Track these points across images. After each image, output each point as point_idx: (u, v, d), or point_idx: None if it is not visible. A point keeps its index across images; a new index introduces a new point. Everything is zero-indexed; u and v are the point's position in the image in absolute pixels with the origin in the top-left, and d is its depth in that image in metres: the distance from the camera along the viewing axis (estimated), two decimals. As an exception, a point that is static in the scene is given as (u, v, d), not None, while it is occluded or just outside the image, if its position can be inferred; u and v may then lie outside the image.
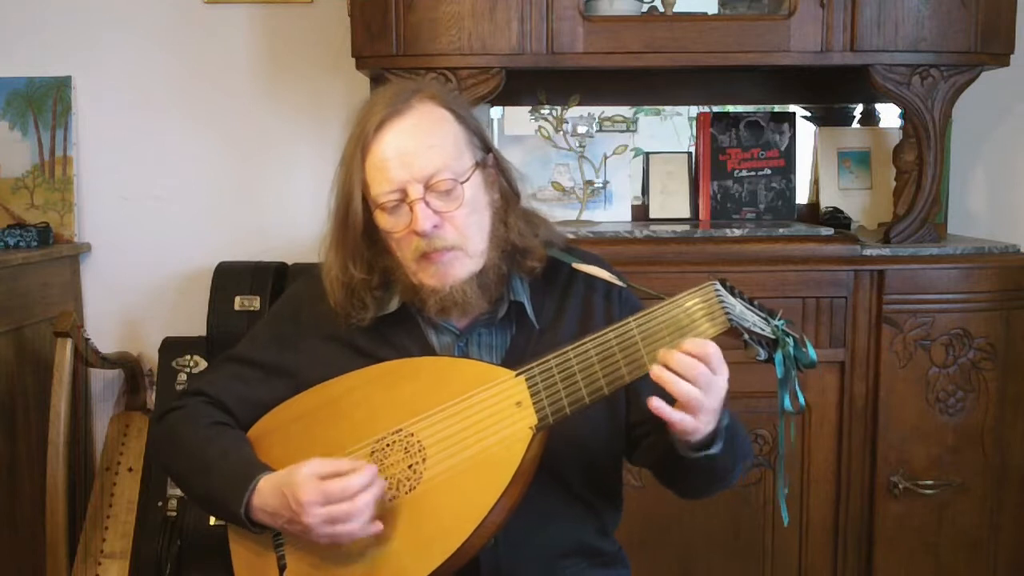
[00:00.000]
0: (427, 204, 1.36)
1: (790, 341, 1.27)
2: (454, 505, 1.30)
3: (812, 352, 1.28)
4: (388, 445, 1.35)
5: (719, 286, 1.27)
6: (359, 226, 1.40)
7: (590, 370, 1.28)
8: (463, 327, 1.45)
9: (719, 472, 1.36)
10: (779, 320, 1.28)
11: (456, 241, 1.38)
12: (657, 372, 1.23)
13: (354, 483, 1.29)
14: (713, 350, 1.23)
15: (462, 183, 1.37)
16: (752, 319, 1.27)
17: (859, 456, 2.25)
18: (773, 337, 1.27)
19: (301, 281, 1.57)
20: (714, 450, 1.30)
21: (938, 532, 2.27)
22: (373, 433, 1.37)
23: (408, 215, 1.36)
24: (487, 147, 1.45)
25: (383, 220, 1.39)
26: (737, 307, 1.26)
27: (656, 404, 1.23)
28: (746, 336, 1.26)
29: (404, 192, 1.36)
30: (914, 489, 2.24)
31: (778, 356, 1.27)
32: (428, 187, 1.36)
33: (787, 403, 1.28)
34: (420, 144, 1.37)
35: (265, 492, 1.35)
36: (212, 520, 2.35)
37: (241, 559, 1.45)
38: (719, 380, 1.24)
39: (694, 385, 1.22)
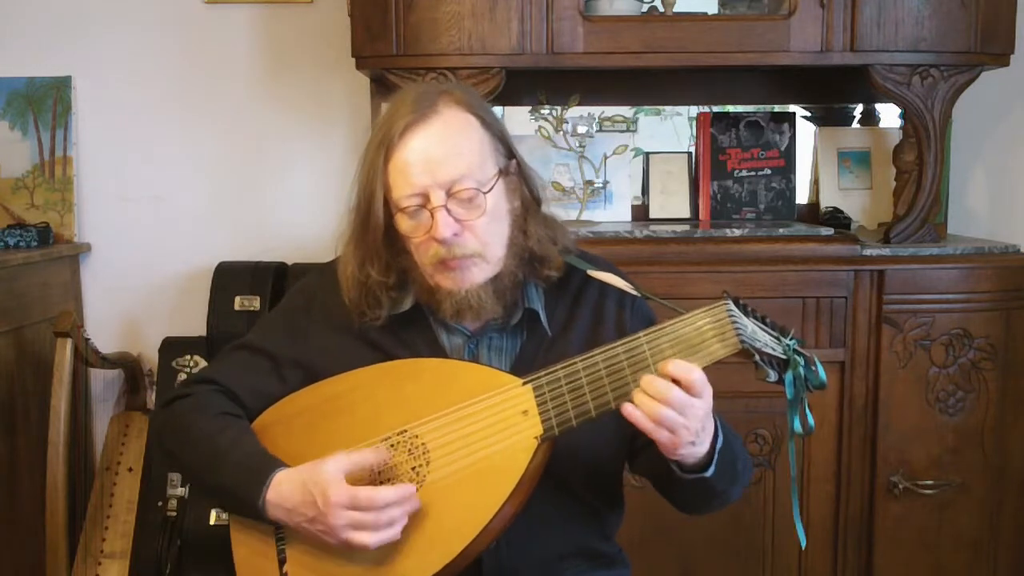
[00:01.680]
0: (448, 211, 1.35)
1: (801, 361, 1.25)
2: (456, 510, 1.29)
3: (822, 373, 1.27)
4: (392, 446, 1.35)
5: (732, 306, 1.25)
6: (379, 228, 1.39)
7: (598, 383, 1.27)
8: (475, 330, 1.45)
9: (713, 493, 1.36)
10: (791, 339, 1.27)
11: (476, 249, 1.37)
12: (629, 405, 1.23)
13: (384, 496, 1.28)
14: (696, 376, 1.22)
15: (485, 192, 1.36)
16: (764, 339, 1.25)
17: (859, 456, 2.25)
18: (784, 357, 1.26)
19: (314, 273, 1.56)
20: (707, 473, 1.30)
21: (938, 532, 2.27)
22: (376, 431, 1.36)
23: (429, 220, 1.35)
24: (511, 153, 1.44)
25: (403, 223, 1.38)
26: (749, 327, 1.25)
27: (629, 410, 1.23)
28: (757, 357, 1.24)
29: (426, 197, 1.35)
30: (914, 489, 2.24)
31: (788, 377, 1.25)
32: (450, 194, 1.35)
33: (797, 425, 1.27)
34: (445, 150, 1.36)
35: (284, 488, 1.33)
36: (212, 520, 2.35)
37: (242, 554, 1.45)
38: (698, 403, 1.23)
39: (668, 407, 1.22)
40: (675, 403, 1.22)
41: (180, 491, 2.42)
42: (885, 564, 2.26)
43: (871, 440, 2.24)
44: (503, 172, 1.41)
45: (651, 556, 2.22)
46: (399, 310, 1.45)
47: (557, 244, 1.45)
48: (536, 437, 1.29)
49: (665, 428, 1.23)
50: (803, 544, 1.38)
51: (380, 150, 1.38)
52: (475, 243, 1.37)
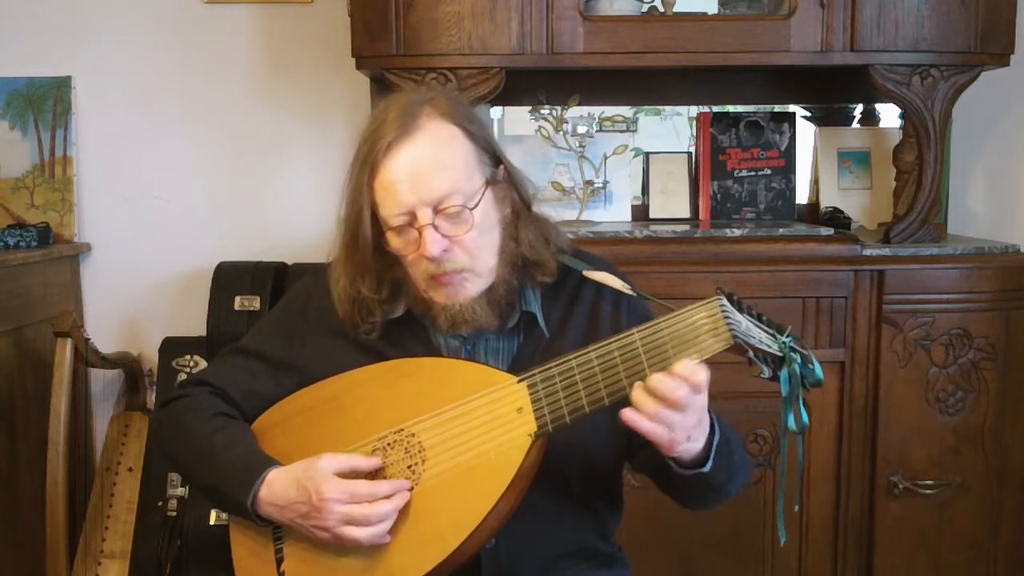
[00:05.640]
0: (436, 228, 1.34)
1: (797, 358, 1.25)
2: (451, 508, 1.30)
3: (819, 371, 1.26)
4: (389, 444, 1.36)
5: (725, 301, 1.25)
6: (368, 244, 1.39)
7: (592, 380, 1.27)
8: (470, 333, 1.45)
9: (712, 488, 1.36)
10: (787, 337, 1.26)
11: (465, 263, 1.37)
12: (636, 395, 1.23)
13: (381, 489, 1.30)
14: (703, 378, 1.22)
15: (472, 208, 1.36)
16: (759, 335, 1.25)
17: (859, 456, 2.25)
18: (780, 354, 1.25)
19: (309, 276, 1.57)
20: (705, 468, 1.30)
21: (938, 532, 2.27)
22: (374, 430, 1.37)
23: (417, 238, 1.35)
24: (498, 161, 1.43)
25: (393, 241, 1.38)
26: (743, 323, 1.24)
27: (629, 415, 1.23)
28: (751, 353, 1.24)
29: (413, 215, 1.35)
30: (914, 489, 2.24)
31: (783, 373, 1.25)
32: (437, 211, 1.34)
33: (791, 422, 1.26)
34: (429, 167, 1.35)
35: (276, 485, 1.35)
36: (212, 520, 2.35)
37: (240, 553, 1.46)
38: (698, 399, 1.24)
39: (672, 409, 1.21)
40: (679, 403, 1.21)
41: (180, 491, 2.43)
42: (885, 564, 2.26)
43: (871, 440, 2.24)
44: (490, 182, 1.40)
45: (651, 556, 2.22)
46: (392, 316, 1.45)
47: (550, 246, 1.45)
48: (530, 434, 1.29)
49: (664, 425, 1.23)
50: (782, 540, 1.38)
51: (365, 167, 1.37)
52: (465, 258, 1.36)
